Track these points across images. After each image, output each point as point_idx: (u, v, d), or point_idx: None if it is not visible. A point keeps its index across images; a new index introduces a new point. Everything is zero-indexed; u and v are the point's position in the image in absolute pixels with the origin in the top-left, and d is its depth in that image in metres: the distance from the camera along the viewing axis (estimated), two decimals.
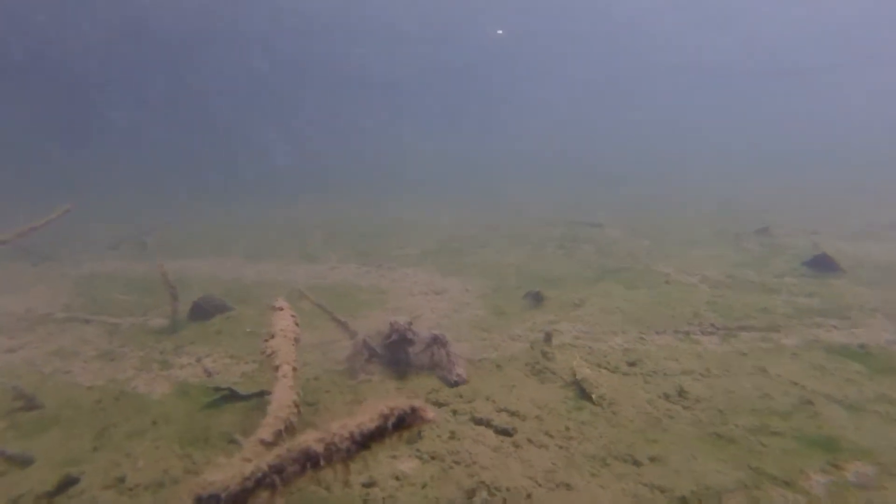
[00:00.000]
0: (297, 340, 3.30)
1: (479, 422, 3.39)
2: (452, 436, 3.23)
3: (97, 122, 40.95)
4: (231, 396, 3.91)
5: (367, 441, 1.73)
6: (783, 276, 7.10)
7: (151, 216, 18.29)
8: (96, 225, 16.28)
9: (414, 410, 1.70)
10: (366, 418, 1.75)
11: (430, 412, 1.73)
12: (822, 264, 7.33)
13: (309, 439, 1.76)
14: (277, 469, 1.79)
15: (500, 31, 39.90)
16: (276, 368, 2.86)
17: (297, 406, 2.57)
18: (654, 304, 6.10)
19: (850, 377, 3.88)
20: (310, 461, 1.74)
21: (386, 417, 1.73)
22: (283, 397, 2.55)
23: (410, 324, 4.20)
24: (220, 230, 15.42)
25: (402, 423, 1.73)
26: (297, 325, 3.52)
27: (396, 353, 4.16)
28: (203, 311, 6.10)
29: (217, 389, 3.99)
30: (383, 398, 2.97)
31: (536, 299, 6.39)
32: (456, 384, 3.89)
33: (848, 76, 42.91)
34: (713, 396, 3.67)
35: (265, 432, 2.33)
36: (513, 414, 3.48)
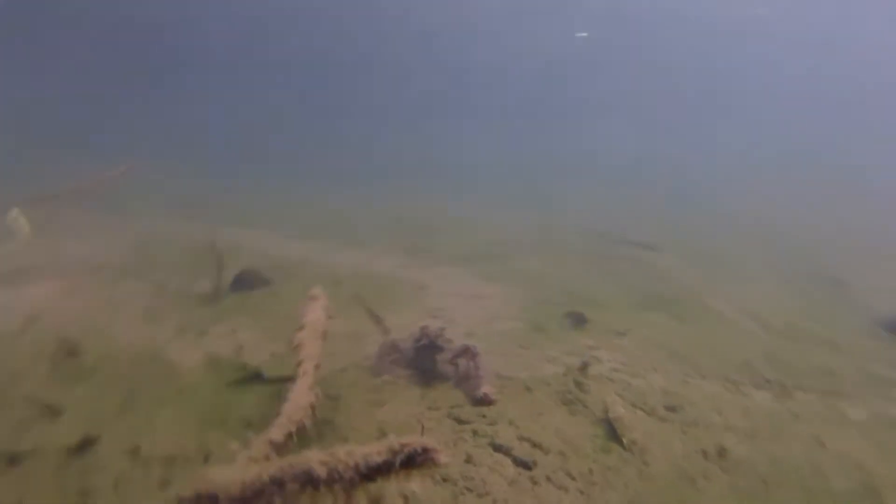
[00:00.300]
0: (324, 335, 3.25)
1: (498, 448, 3.23)
2: (468, 459, 3.09)
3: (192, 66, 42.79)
4: (257, 377, 3.93)
5: (371, 474, 1.62)
6: (856, 336, 6.47)
7: (215, 181, 19.04)
8: (158, 183, 17.10)
9: (426, 451, 1.57)
10: (374, 450, 1.64)
11: (443, 456, 1.60)
12: None
13: (313, 460, 1.67)
14: (277, 483, 1.71)
15: (584, 34, 38.82)
16: (298, 364, 2.82)
17: (312, 408, 2.50)
18: (703, 345, 5.69)
19: None
20: (310, 483, 1.65)
21: (395, 453, 1.62)
22: (299, 398, 2.49)
23: (443, 329, 4.07)
24: (277, 207, 15.82)
25: (412, 462, 1.61)
26: (328, 317, 3.47)
27: (424, 359, 4.04)
28: (246, 283, 6.23)
29: (245, 368, 4.02)
30: (400, 432, 2.86)
31: (578, 321, 6.11)
32: (480, 402, 3.73)
33: None
34: (757, 462, 3.34)
35: (276, 432, 2.27)
36: (535, 445, 3.29)
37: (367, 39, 40.51)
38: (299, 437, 2.45)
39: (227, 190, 17.01)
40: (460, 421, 3.53)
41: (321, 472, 1.62)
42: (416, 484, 2.82)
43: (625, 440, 3.46)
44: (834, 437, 3.77)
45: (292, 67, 43.70)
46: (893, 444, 3.76)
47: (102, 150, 21.62)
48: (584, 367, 4.46)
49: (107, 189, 7.95)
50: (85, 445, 2.82)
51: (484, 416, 3.59)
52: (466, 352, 4.01)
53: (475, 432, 3.40)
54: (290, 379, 3.87)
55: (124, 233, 9.69)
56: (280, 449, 2.24)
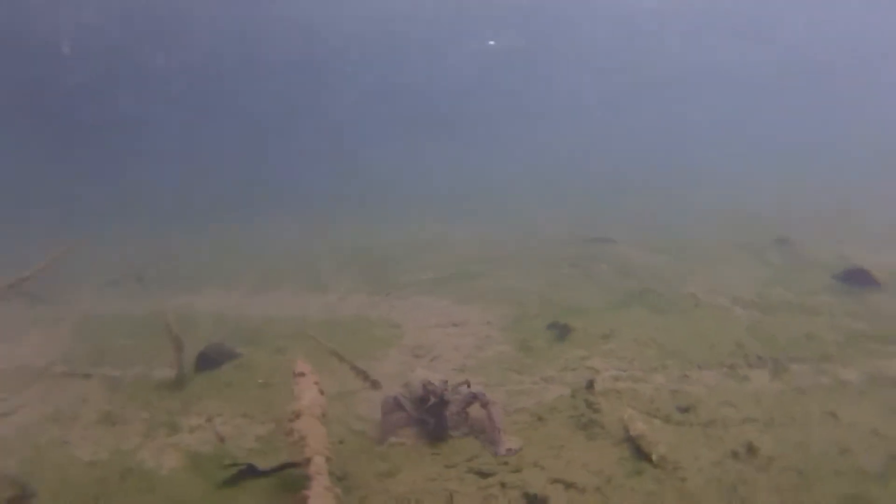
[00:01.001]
0: (324, 416, 2.94)
1: (533, 500, 3.00)
2: None
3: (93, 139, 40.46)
4: (249, 472, 3.52)
5: None
6: (818, 294, 6.77)
7: (155, 244, 17.87)
8: (95, 258, 15.87)
9: None
10: None
11: None
12: (857, 278, 7.00)
13: None
14: None
15: (491, 42, 39.84)
16: (307, 462, 2.50)
17: None
18: (690, 333, 5.74)
19: None
20: None
21: None
22: None
23: (446, 382, 3.80)
24: (226, 257, 15.00)
25: None
26: (321, 392, 3.16)
27: (432, 416, 3.73)
28: (210, 360, 5.72)
29: (233, 464, 3.60)
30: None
31: (563, 331, 6.02)
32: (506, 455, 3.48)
33: (866, 73, 42.46)
34: (786, 453, 3.30)
35: None
36: (569, 486, 3.10)
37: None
38: None
39: (168, 254, 15.97)
40: (483, 474, 3.28)
41: None
42: None
43: (653, 457, 3.33)
44: (843, 407, 3.81)
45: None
46: (894, 401, 3.85)
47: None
48: (590, 386, 4.32)
49: (38, 278, 7.13)
50: None
51: (506, 464, 3.37)
52: (475, 398, 3.77)
53: (503, 484, 3.17)
54: (287, 466, 3.53)
55: (63, 324, 8.78)
56: None
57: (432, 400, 3.57)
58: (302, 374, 3.20)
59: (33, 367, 6.49)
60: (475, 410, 3.84)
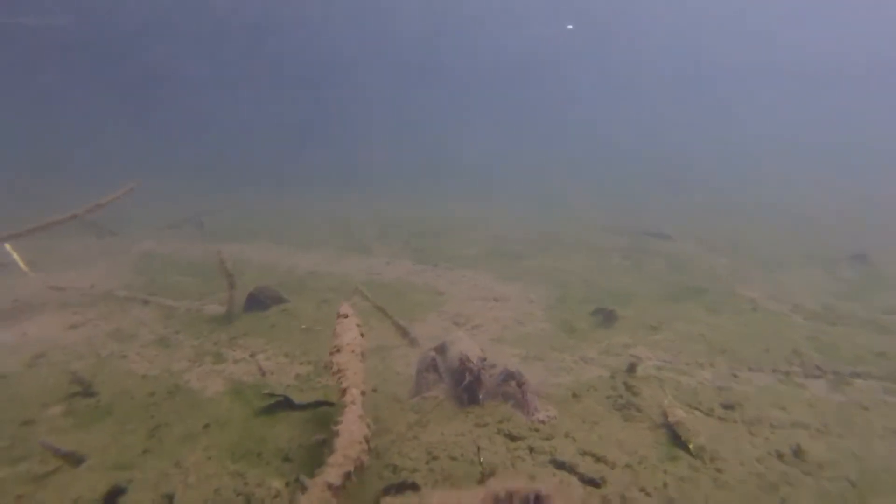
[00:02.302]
0: (363, 355, 2.98)
1: (560, 465, 2.96)
2: (531, 480, 2.82)
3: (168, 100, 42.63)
4: (286, 404, 3.65)
5: None
6: (894, 314, 6.24)
7: (210, 199, 18.75)
8: (159, 203, 16.81)
9: (539, 499, 1.31)
10: (475, 499, 1.37)
11: (560, 501, 1.34)
12: None
13: None
14: None
15: (570, 26, 38.66)
16: (344, 392, 2.55)
17: (367, 441, 2.23)
18: (743, 334, 5.45)
19: None
20: None
21: (499, 502, 1.35)
22: (352, 431, 2.21)
23: (484, 360, 3.75)
24: (277, 217, 15.55)
25: None
26: (362, 335, 3.20)
27: (467, 391, 3.71)
28: (259, 301, 5.95)
29: (272, 395, 3.74)
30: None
31: (608, 318, 5.85)
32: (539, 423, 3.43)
33: None
34: (839, 461, 3.09)
35: (333, 474, 2.00)
36: (599, 459, 3.03)
37: None
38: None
39: (223, 207, 16.69)
40: (513, 437, 3.26)
41: None
42: None
43: (691, 446, 3.20)
44: None
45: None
46: None
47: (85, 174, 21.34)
48: (632, 370, 4.20)
49: (99, 214, 7.61)
50: (113, 496, 2.54)
51: (537, 431, 3.33)
52: (511, 377, 3.71)
53: (532, 449, 3.13)
54: (321, 404, 3.63)
55: (125, 257, 9.39)
56: (338, 491, 1.97)
57: (468, 378, 3.54)
58: (345, 316, 3.26)
59: (100, 289, 6.97)
60: (510, 387, 3.77)
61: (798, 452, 3.17)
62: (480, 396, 3.67)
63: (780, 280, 7.84)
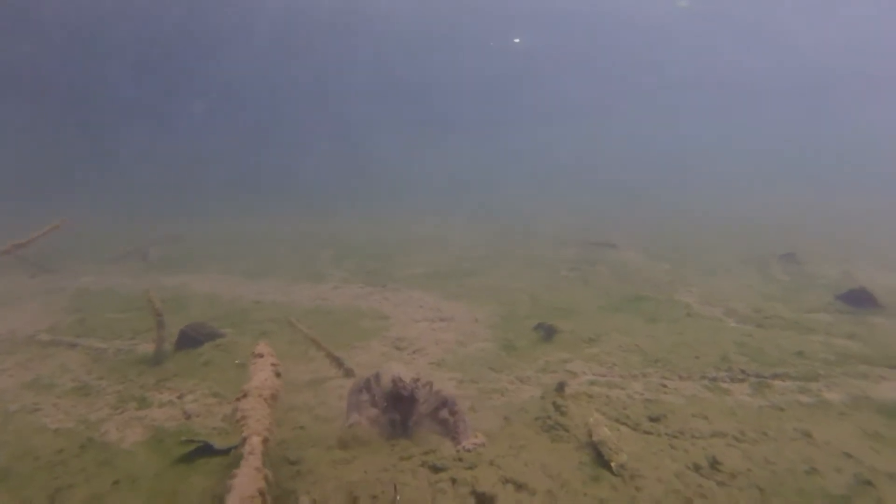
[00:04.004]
0: (274, 398, 2.90)
1: (481, 498, 2.93)
2: None
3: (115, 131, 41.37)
4: (206, 450, 3.51)
5: None
6: (817, 312, 6.57)
7: (165, 224, 18.15)
8: (104, 235, 16.14)
9: None
10: None
11: None
12: (859, 299, 6.78)
13: None
14: None
15: (517, 40, 39.66)
16: (244, 442, 2.46)
17: (262, 495, 2.15)
18: (677, 343, 5.61)
19: None
20: None
21: None
22: (244, 486, 2.13)
23: (417, 381, 3.72)
24: (227, 244, 15.16)
25: None
26: (277, 374, 3.12)
27: (399, 412, 3.66)
28: (191, 339, 5.73)
29: (191, 441, 3.59)
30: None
31: (549, 332, 5.93)
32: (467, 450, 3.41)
33: (879, 90, 41.58)
34: (751, 469, 3.18)
35: None
36: (520, 487, 3.02)
37: None
38: None
39: (172, 236, 16.15)
40: (436, 469, 3.22)
41: None
42: None
43: (613, 465, 3.24)
44: (819, 427, 3.67)
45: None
46: (875, 426, 3.70)
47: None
48: (560, 389, 4.24)
49: (30, 249, 7.24)
50: None
51: (461, 461, 3.30)
52: (445, 405, 3.68)
53: (454, 480, 3.10)
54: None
55: (59, 296, 8.92)
56: None
57: (403, 394, 3.50)
58: (260, 356, 3.17)
59: (23, 333, 6.59)
60: (442, 414, 3.74)
61: (714, 463, 3.24)
62: (413, 419, 3.63)
63: (716, 284, 8.13)
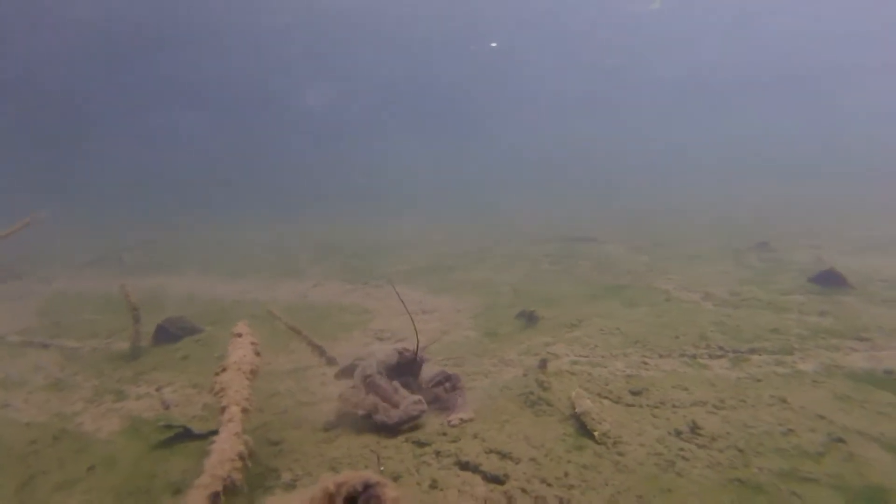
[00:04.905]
0: (253, 373, 2.86)
1: (465, 466, 2.94)
2: (434, 485, 2.78)
3: (93, 129, 40.38)
4: (185, 435, 3.44)
5: None
6: (791, 294, 6.72)
7: (140, 229, 17.79)
8: (76, 240, 15.76)
9: (367, 488, 1.27)
10: (306, 497, 1.32)
11: (391, 490, 1.31)
12: (830, 280, 6.97)
13: None
14: None
15: (493, 44, 40.08)
16: (222, 410, 2.42)
17: (242, 458, 2.12)
18: (657, 324, 5.69)
19: (882, 409, 3.46)
20: None
21: (331, 497, 1.31)
22: (223, 449, 2.10)
23: (424, 348, 3.81)
24: (207, 246, 14.94)
25: None
26: (257, 353, 3.08)
27: (409, 374, 3.74)
28: (169, 333, 5.63)
29: (169, 427, 3.52)
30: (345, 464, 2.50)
31: (530, 319, 5.97)
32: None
33: (849, 83, 42.97)
34: (731, 433, 3.24)
35: (199, 496, 1.88)
36: (504, 456, 3.03)
37: None
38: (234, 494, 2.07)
39: (152, 238, 15.85)
40: (420, 444, 3.21)
41: None
42: None
43: (596, 433, 3.27)
44: (794, 394, 3.76)
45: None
46: (845, 391, 3.80)
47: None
48: (543, 365, 4.27)
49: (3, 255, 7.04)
50: None
51: (445, 434, 3.30)
52: (448, 380, 3.75)
53: (438, 453, 3.10)
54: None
55: (30, 300, 8.67)
56: None
57: (408, 354, 3.59)
58: (239, 335, 3.13)
59: None
60: (441, 389, 3.81)
61: (694, 428, 3.30)
62: (419, 381, 3.70)
63: (693, 272, 8.28)
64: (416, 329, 3.97)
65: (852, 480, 2.67)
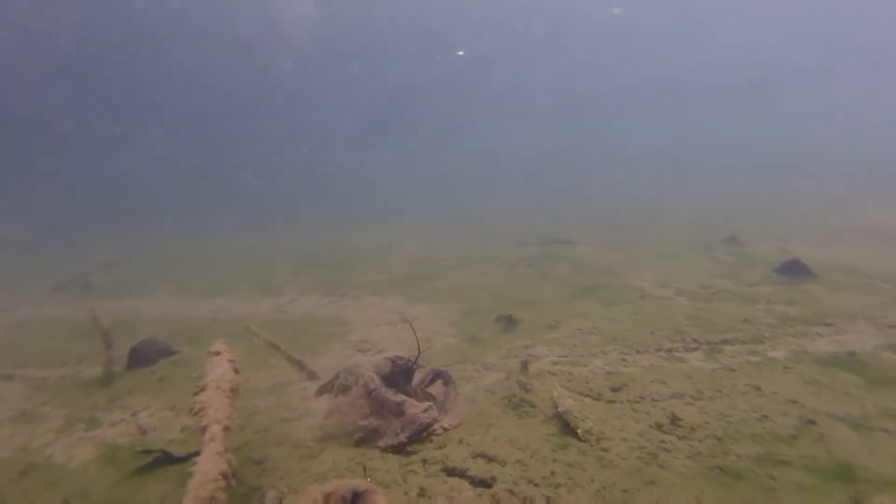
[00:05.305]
0: (234, 391, 2.82)
1: (452, 472, 2.94)
2: (422, 492, 2.77)
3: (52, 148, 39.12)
4: (164, 459, 3.35)
5: None
6: (759, 285, 6.95)
7: (109, 251, 17.25)
8: (38, 265, 15.20)
9: (357, 497, 1.27)
10: None
11: (382, 497, 1.31)
12: (794, 270, 7.23)
13: None
14: None
15: (460, 52, 40.50)
16: (203, 430, 2.38)
17: (225, 478, 2.08)
18: (633, 322, 5.80)
19: (848, 390, 3.61)
20: None
21: None
22: (207, 469, 2.06)
23: (417, 357, 3.81)
24: (176, 266, 14.60)
25: None
26: (236, 371, 3.03)
27: (403, 380, 3.74)
28: (143, 356, 5.48)
29: (147, 452, 3.42)
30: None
31: (510, 323, 6.02)
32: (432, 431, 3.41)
33: (812, 85, 44.77)
34: (709, 422, 3.33)
35: None
36: (490, 459, 3.05)
37: None
38: None
39: (119, 259, 15.40)
40: (407, 452, 3.20)
41: None
42: None
43: (579, 431, 3.31)
44: (767, 381, 3.89)
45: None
46: (814, 375, 3.95)
47: None
48: (524, 368, 4.31)
49: None
50: None
51: (430, 442, 3.29)
52: (440, 376, 3.79)
53: (425, 461, 3.09)
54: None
55: None
56: None
57: (403, 365, 3.59)
58: (217, 353, 3.07)
59: None
60: (433, 389, 3.88)
61: (674, 420, 3.37)
62: (412, 386, 3.71)
63: (666, 269, 8.48)
64: (416, 337, 3.96)
65: (823, 460, 2.77)
